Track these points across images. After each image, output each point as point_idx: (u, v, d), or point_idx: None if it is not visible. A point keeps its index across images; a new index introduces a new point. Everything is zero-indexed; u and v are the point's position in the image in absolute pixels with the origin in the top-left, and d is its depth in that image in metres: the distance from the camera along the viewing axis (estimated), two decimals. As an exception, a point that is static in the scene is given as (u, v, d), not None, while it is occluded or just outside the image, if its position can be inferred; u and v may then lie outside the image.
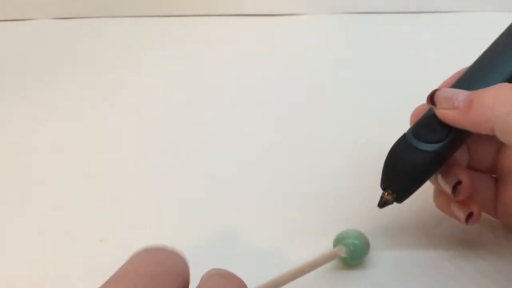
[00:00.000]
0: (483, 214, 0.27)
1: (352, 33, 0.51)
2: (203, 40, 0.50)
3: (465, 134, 0.25)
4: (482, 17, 0.43)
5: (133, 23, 0.53)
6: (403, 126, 0.27)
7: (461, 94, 0.24)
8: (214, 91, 0.43)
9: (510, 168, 0.26)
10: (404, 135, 0.26)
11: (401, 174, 0.25)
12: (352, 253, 0.27)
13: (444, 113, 0.24)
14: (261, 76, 0.45)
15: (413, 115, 0.28)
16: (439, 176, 0.26)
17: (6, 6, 0.53)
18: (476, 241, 0.29)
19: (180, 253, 0.19)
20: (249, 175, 0.35)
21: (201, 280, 0.19)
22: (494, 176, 0.28)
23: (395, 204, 0.26)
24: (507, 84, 0.23)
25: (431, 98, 0.25)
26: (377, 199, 0.26)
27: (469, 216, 0.26)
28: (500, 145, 0.27)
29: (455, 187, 0.25)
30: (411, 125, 0.28)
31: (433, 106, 0.25)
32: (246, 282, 0.19)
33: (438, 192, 0.27)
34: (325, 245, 0.28)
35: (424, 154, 0.24)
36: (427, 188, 0.26)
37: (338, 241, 0.28)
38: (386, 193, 0.26)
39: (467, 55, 0.27)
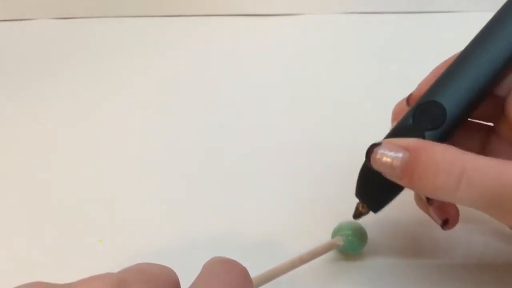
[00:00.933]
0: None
1: (352, 33, 0.51)
2: (203, 40, 0.50)
3: None
4: (482, 17, 0.43)
5: (133, 23, 0.53)
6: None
7: (399, 161, 0.22)
8: (214, 90, 0.43)
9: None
10: None
11: (373, 189, 0.25)
12: (350, 244, 0.28)
13: (389, 178, 0.23)
14: (261, 76, 0.45)
15: (393, 112, 0.28)
16: (430, 209, 0.26)
17: (6, 6, 0.53)
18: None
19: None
20: (249, 169, 0.35)
21: (203, 267, 0.19)
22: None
23: None
24: (442, 149, 0.22)
25: (368, 157, 0.23)
26: None
27: (445, 222, 0.26)
28: (484, 142, 0.26)
29: (445, 222, 0.25)
30: (392, 123, 0.28)
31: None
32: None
33: (418, 196, 0.27)
34: (323, 237, 0.28)
35: None
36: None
37: (336, 232, 0.28)
38: (361, 205, 0.26)
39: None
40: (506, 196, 0.20)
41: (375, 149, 0.23)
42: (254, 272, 0.23)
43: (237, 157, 0.36)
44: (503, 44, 0.23)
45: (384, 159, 0.22)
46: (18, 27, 0.53)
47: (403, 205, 0.29)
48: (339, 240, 0.27)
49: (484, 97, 0.24)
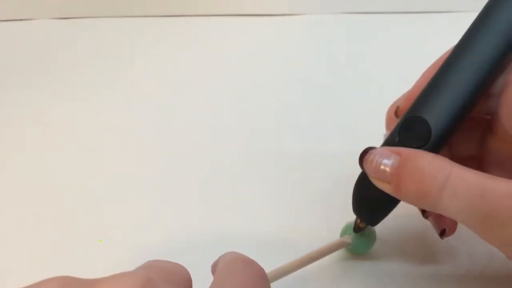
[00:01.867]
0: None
1: (351, 33, 0.51)
2: (204, 41, 0.50)
3: None
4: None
5: (133, 23, 0.53)
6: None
7: (388, 166, 0.22)
8: (214, 91, 0.43)
9: (493, 160, 0.25)
10: None
11: (368, 205, 0.25)
12: (358, 243, 0.28)
13: (378, 183, 0.23)
14: (260, 76, 0.45)
15: (387, 116, 0.28)
16: (430, 219, 0.26)
17: (6, 6, 0.53)
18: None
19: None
20: (258, 168, 0.36)
21: (220, 261, 0.20)
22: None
23: None
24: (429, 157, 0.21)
25: (361, 160, 0.24)
26: None
27: (442, 232, 0.26)
28: (483, 136, 0.26)
29: (442, 232, 0.26)
30: (386, 127, 0.28)
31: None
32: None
33: None
34: (332, 236, 0.28)
35: None
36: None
37: (344, 231, 0.28)
38: (358, 220, 0.27)
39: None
40: (488, 214, 0.19)
41: (368, 152, 0.23)
42: (265, 270, 0.23)
43: (244, 157, 0.37)
44: (488, 49, 0.22)
45: (376, 163, 0.22)
46: (18, 27, 0.53)
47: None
48: (348, 239, 0.28)
49: (472, 108, 0.23)
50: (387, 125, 0.28)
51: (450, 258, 0.28)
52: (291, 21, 0.52)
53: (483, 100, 0.24)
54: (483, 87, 0.23)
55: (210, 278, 0.21)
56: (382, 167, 0.22)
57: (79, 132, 0.40)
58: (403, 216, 0.30)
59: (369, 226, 0.28)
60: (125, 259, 0.29)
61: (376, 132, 0.29)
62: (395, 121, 0.25)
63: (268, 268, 0.24)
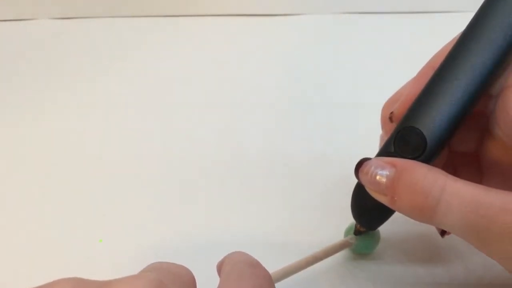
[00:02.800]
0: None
1: (351, 33, 0.51)
2: (202, 40, 0.50)
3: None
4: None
5: (133, 23, 0.53)
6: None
7: (384, 178, 0.22)
8: (214, 91, 0.43)
9: (492, 161, 0.25)
10: None
11: (365, 213, 0.26)
12: (362, 243, 0.28)
13: (374, 195, 0.23)
14: (259, 76, 0.45)
15: (382, 117, 0.27)
16: None
17: (6, 6, 0.53)
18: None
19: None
20: (260, 169, 0.36)
21: (225, 262, 0.20)
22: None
23: None
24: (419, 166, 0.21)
25: (357, 171, 0.24)
26: None
27: (442, 233, 0.26)
28: (481, 133, 0.25)
29: (442, 232, 0.26)
30: (381, 126, 0.28)
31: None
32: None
33: None
34: (336, 236, 0.28)
35: None
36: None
37: (348, 231, 0.28)
38: (358, 225, 0.27)
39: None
40: (483, 229, 0.19)
41: (364, 163, 0.23)
42: (268, 270, 0.23)
43: (247, 157, 0.37)
44: (485, 54, 0.22)
45: (371, 174, 0.22)
46: (18, 27, 0.53)
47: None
48: (352, 239, 0.28)
49: (469, 114, 0.22)
50: (383, 126, 0.28)
51: (455, 258, 0.28)
52: (291, 21, 0.52)
53: (481, 100, 0.23)
54: (480, 94, 0.22)
55: (211, 278, 0.21)
56: (377, 178, 0.22)
57: (79, 132, 0.40)
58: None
59: None
60: (125, 259, 0.29)
61: (378, 132, 0.29)
62: (390, 124, 0.25)
63: (271, 268, 0.24)
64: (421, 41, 0.47)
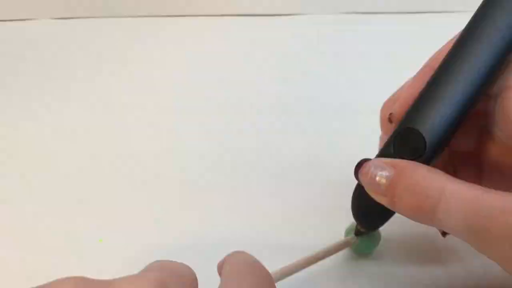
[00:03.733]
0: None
1: (351, 33, 0.50)
2: (202, 41, 0.50)
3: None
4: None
5: (132, 23, 0.53)
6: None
7: (384, 179, 0.22)
8: (213, 91, 0.43)
9: (492, 162, 0.25)
10: None
11: (365, 214, 0.26)
12: (363, 243, 0.28)
13: (374, 196, 0.23)
14: (260, 77, 0.45)
15: (381, 118, 0.27)
16: None
17: (6, 6, 0.53)
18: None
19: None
20: (262, 167, 0.36)
21: (226, 262, 0.20)
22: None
23: None
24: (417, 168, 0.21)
25: (356, 172, 0.24)
26: None
27: (444, 233, 0.26)
28: (480, 133, 0.25)
29: (444, 233, 0.26)
30: (381, 127, 0.28)
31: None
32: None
33: None
34: (337, 236, 0.28)
35: None
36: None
37: (349, 231, 0.28)
38: (359, 226, 0.27)
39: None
40: (483, 230, 0.19)
41: (364, 164, 0.23)
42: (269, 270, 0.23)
43: (247, 157, 0.37)
44: (485, 54, 0.22)
45: (371, 175, 0.22)
46: (18, 27, 0.53)
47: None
48: (352, 239, 0.28)
49: (469, 115, 0.22)
50: (382, 127, 0.28)
51: (455, 259, 0.28)
52: (291, 21, 0.52)
53: (480, 101, 0.23)
54: (479, 95, 0.22)
55: (212, 277, 0.21)
56: (377, 179, 0.22)
57: (80, 132, 0.40)
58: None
59: None
60: (125, 259, 0.29)
61: (378, 132, 0.29)
62: (389, 124, 0.25)
63: (272, 268, 0.24)
64: (421, 41, 0.47)
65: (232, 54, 0.48)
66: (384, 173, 0.22)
